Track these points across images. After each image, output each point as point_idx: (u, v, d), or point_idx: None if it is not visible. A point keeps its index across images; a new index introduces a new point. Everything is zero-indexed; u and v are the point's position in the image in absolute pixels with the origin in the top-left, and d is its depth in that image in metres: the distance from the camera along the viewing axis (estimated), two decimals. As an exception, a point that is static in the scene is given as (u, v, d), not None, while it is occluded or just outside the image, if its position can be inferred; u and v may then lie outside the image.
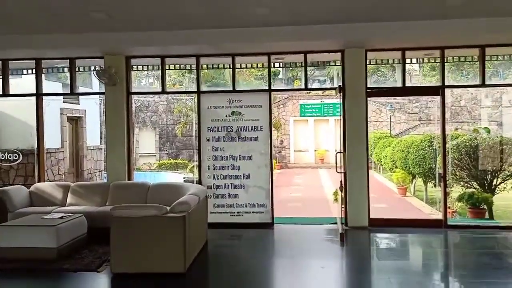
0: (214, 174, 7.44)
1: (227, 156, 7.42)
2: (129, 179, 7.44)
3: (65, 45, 6.68)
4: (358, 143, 7.07)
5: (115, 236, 4.87)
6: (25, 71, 7.82)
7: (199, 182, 7.46)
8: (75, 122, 12.58)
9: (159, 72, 7.46)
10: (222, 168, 7.43)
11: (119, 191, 7.07)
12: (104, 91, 7.32)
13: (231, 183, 7.43)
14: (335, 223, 7.41)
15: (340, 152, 6.55)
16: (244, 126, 7.39)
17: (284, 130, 22.90)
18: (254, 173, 7.38)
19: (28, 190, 7.11)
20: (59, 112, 11.83)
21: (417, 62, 7.29)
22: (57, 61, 7.80)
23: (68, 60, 7.44)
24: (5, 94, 7.64)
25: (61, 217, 5.88)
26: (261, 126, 7.38)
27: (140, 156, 23.36)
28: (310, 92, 25.84)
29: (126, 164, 7.38)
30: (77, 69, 7.71)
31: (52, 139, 11.37)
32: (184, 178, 15.21)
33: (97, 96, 10.78)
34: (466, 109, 24.31)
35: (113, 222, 4.87)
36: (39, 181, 7.70)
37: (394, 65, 7.39)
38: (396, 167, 13.28)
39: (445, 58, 6.96)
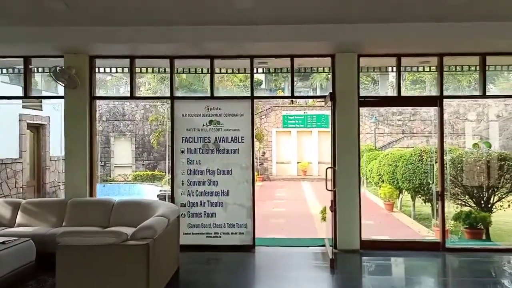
0: (188, 190, 6.62)
1: (203, 170, 6.62)
2: (91, 195, 6.54)
3: (16, 39, 5.79)
4: (349, 157, 6.39)
5: (62, 269, 3.99)
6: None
7: (172, 199, 6.62)
8: (37, 130, 11.50)
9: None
10: (198, 183, 6.62)
11: (78, 210, 6.18)
12: (63, 95, 6.45)
13: (207, 201, 6.61)
14: (323, 245, 6.67)
15: (331, 168, 5.83)
16: (223, 137, 6.62)
17: (266, 142, 22.21)
18: (234, 189, 6.60)
19: (-31, 208, 6.14)
20: (17, 119, 10.74)
21: (416, 71, 6.68)
22: (14, 60, 6.88)
23: (22, 59, 6.54)
24: None
25: (2, 242, 4.94)
26: (242, 137, 6.62)
27: (115, 167, 22.27)
28: (293, 102, 25.29)
29: (88, 178, 6.49)
30: (35, 69, 6.82)
31: (8, 148, 10.32)
32: (160, 190, 14.28)
33: (58, 100, 9.81)
34: (449, 122, 24.16)
35: (60, 252, 4.00)
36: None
37: (388, 72, 6.77)
38: (383, 181, 12.69)
39: (443, 66, 6.38)
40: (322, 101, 25.50)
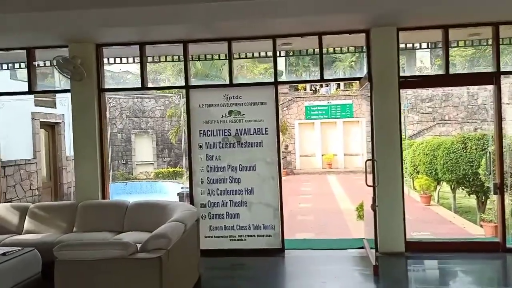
0: (208, 189, 5.96)
1: (224, 167, 5.94)
2: (103, 197, 5.97)
3: (14, 28, 5.22)
4: (390, 148, 5.58)
5: (61, 286, 3.39)
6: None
7: (190, 199, 5.98)
8: (51, 129, 11.08)
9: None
10: (219, 181, 5.95)
11: (89, 214, 5.61)
12: (69, 88, 5.87)
13: (230, 200, 5.94)
14: (362, 247, 5.90)
15: (370, 160, 5.03)
16: (245, 129, 5.92)
17: (289, 134, 21.40)
18: (259, 187, 5.90)
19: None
20: (29, 117, 10.33)
21: (469, 45, 5.78)
22: (19, 54, 6.35)
23: (24, 51, 6.00)
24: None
25: (4, 254, 4.40)
26: (266, 129, 5.91)
27: (137, 164, 21.98)
28: (316, 92, 24.34)
29: (100, 178, 5.92)
30: (40, 63, 6.28)
31: (22, 148, 9.93)
32: (182, 188, 13.76)
33: (65, 95, 9.25)
34: (484, 107, 22.73)
35: (59, 268, 3.40)
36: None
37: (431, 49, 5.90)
38: (418, 172, 11.76)
39: (499, 37, 5.48)
40: (347, 90, 24.51)
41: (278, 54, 6.16)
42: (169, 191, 15.46)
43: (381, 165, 5.45)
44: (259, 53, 6.56)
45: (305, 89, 24.71)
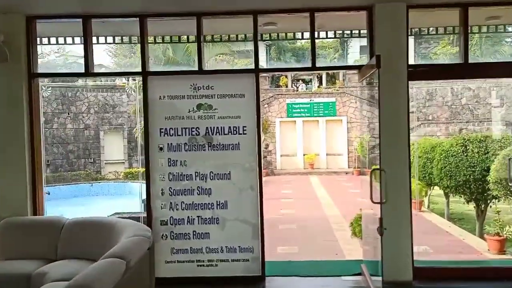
0: (171, 203, 4.75)
1: (191, 174, 4.75)
2: (34, 212, 4.68)
3: None
4: (394, 153, 4.51)
5: None
6: None
7: (147, 215, 4.76)
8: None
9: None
10: (184, 192, 4.75)
11: (14, 235, 4.35)
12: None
13: (198, 216, 4.75)
14: (359, 274, 4.82)
15: (378, 169, 3.92)
16: (218, 127, 4.75)
17: (270, 133, 20.27)
18: (234, 200, 4.74)
19: None
20: None
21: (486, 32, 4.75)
22: None
23: None
24: None
25: None
26: (243, 127, 4.75)
27: (106, 163, 20.45)
28: (299, 89, 23.39)
29: (29, 189, 4.63)
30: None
31: None
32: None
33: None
34: (468, 107, 22.17)
35: None
36: None
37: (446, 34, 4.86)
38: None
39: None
40: (329, 87, 23.56)
41: (260, 38, 5.02)
42: (139, 193, 14.09)
43: (385, 175, 4.35)
44: (237, 35, 5.39)
45: (286, 85, 23.67)
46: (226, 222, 4.74)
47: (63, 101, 19.38)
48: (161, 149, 4.76)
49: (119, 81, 18.66)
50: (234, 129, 4.76)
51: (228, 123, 4.75)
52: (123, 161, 20.58)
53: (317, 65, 4.78)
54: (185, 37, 5.48)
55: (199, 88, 4.72)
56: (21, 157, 4.57)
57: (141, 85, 4.66)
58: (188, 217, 4.75)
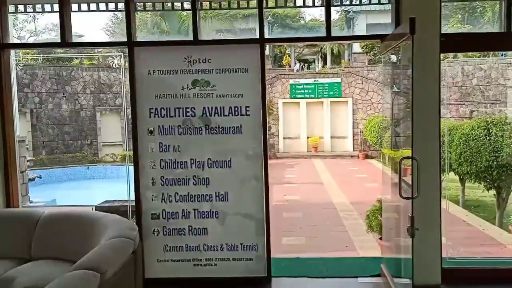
0: (163, 194, 4.14)
1: (186, 162, 4.12)
2: (7, 204, 4.07)
3: None
4: (424, 139, 3.86)
5: None
6: None
7: (136, 207, 4.15)
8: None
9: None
10: (178, 182, 4.13)
11: (-20, 231, 3.72)
12: None
13: (194, 209, 4.15)
14: (378, 275, 4.24)
15: (410, 158, 3.26)
16: (217, 107, 4.09)
17: (274, 115, 19.55)
18: (236, 191, 4.12)
19: None
20: None
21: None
22: None
23: None
24: None
25: None
26: (246, 107, 4.10)
27: (103, 145, 19.84)
28: (303, 69, 22.57)
29: (0, 177, 4.00)
30: None
31: None
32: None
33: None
34: (479, 88, 21.37)
35: None
36: None
37: None
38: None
39: None
40: (334, 67, 22.68)
41: (265, 4, 4.30)
42: (127, 180, 13.51)
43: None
44: (239, 3, 4.67)
45: (289, 65, 22.84)
46: (227, 216, 4.13)
47: (58, 80, 18.64)
48: (151, 132, 4.11)
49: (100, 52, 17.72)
50: (236, 109, 4.10)
51: (229, 103, 4.09)
52: (121, 143, 19.95)
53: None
54: (179, 4, 4.75)
55: (195, 61, 4.04)
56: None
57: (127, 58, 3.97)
58: (183, 210, 4.14)
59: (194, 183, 4.12)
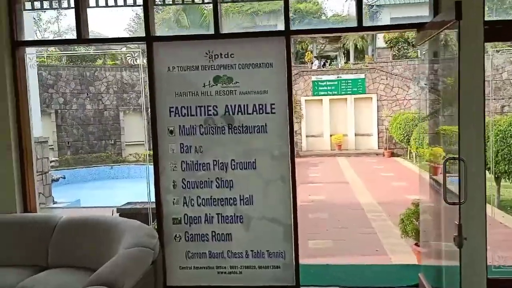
0: (185, 197, 3.93)
1: (208, 163, 3.89)
2: (25, 209, 3.94)
3: None
4: (467, 137, 3.50)
5: None
6: None
7: (157, 212, 3.96)
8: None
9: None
10: (200, 185, 3.91)
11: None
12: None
13: (218, 214, 3.92)
14: (416, 285, 3.91)
15: (457, 159, 2.93)
16: (240, 105, 3.85)
17: (296, 113, 19.21)
18: (261, 194, 3.87)
19: None
20: None
21: None
22: None
23: None
24: None
25: None
26: (271, 105, 3.84)
27: (126, 145, 19.96)
28: (325, 65, 22.13)
29: (17, 179, 3.87)
30: None
31: None
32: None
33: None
34: (510, 82, 20.47)
35: None
36: None
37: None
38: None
39: None
40: (357, 63, 22.13)
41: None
42: (147, 181, 13.46)
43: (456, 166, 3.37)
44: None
45: (312, 61, 22.43)
46: (252, 221, 3.89)
47: (81, 81, 18.84)
48: (171, 132, 3.91)
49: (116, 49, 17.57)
50: (260, 107, 3.85)
51: (253, 100, 3.84)
52: (143, 142, 20.01)
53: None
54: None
55: (216, 56, 3.81)
56: (2, 143, 3.79)
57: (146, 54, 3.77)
58: (206, 214, 3.92)
59: (217, 185, 3.89)
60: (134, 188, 11.01)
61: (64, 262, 3.45)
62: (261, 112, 3.85)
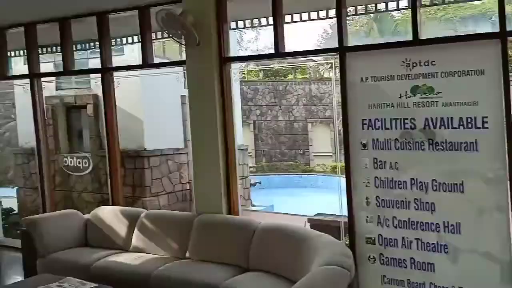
0: (379, 216, 3.67)
1: (405, 181, 3.54)
2: (229, 210, 4.36)
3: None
4: None
5: None
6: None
7: (349, 230, 3.82)
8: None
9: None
10: (397, 204, 3.60)
11: (206, 234, 4.11)
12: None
13: (417, 239, 3.52)
14: None
15: None
16: (443, 118, 3.38)
17: None
18: (471, 223, 3.30)
19: (85, 218, 4.82)
20: (179, 101, 9.47)
21: None
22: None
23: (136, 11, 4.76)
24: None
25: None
26: (483, 118, 3.25)
27: (314, 155, 20.65)
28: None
29: (223, 183, 4.31)
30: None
31: (170, 137, 9.26)
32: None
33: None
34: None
35: None
36: (112, 199, 5.28)
37: None
38: None
39: None
40: None
41: None
42: (339, 192, 13.44)
43: None
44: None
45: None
46: (460, 253, 3.35)
47: (275, 94, 20.48)
48: (364, 146, 3.72)
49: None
50: (468, 121, 3.30)
51: (459, 113, 3.32)
52: (330, 154, 20.32)
53: None
54: (394, 4, 4.17)
55: (415, 64, 3.45)
56: (213, 149, 4.27)
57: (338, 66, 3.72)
58: (403, 238, 3.57)
59: (416, 207, 3.50)
60: (322, 198, 11.22)
61: (262, 267, 3.66)
62: (469, 126, 3.30)
